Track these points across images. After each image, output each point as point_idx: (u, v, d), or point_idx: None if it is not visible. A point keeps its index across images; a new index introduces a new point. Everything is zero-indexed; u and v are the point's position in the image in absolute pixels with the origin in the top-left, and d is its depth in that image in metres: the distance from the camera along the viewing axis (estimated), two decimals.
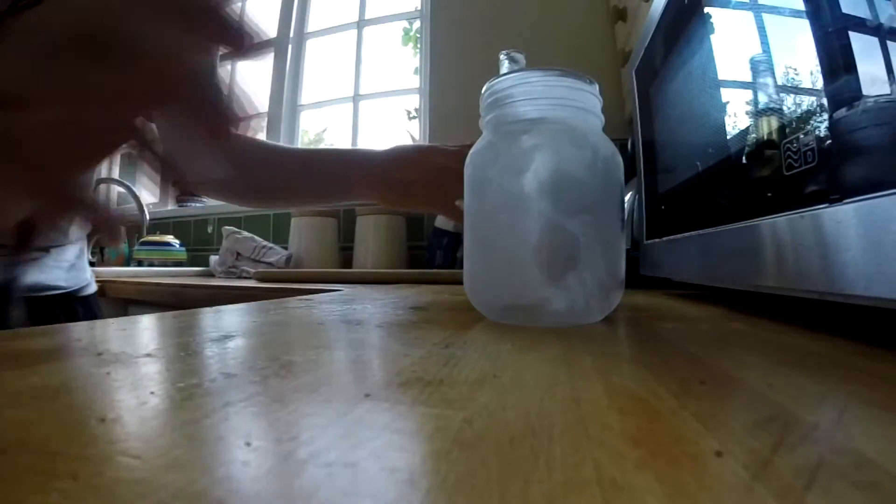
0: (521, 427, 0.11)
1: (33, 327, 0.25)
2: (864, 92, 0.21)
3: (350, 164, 0.58)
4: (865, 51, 0.21)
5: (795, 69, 0.27)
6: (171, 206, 1.68)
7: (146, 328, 0.26)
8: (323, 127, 1.76)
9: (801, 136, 0.25)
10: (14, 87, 0.18)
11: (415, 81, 1.54)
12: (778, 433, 0.11)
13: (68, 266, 0.61)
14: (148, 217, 1.46)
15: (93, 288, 0.66)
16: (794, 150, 0.26)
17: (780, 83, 0.28)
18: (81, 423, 0.11)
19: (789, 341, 0.23)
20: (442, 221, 1.16)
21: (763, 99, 0.31)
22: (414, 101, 1.57)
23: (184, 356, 0.19)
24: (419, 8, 1.54)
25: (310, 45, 1.72)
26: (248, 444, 0.10)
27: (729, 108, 0.36)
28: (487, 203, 0.29)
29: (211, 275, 1.28)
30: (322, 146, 1.89)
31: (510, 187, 0.28)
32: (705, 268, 0.39)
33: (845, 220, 0.21)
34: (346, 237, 1.35)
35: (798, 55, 0.26)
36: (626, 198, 0.76)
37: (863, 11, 0.21)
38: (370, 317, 0.32)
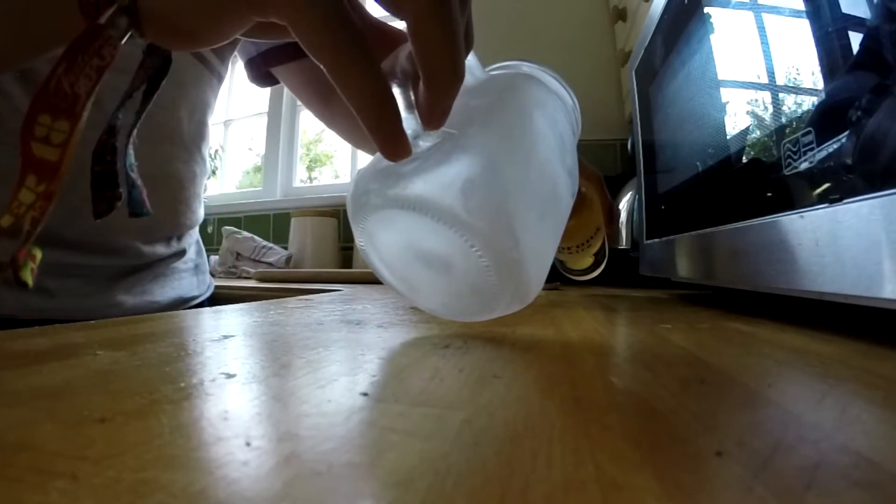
0: (521, 427, 0.11)
1: (32, 328, 0.25)
2: (864, 92, 0.21)
3: None
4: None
5: (795, 69, 0.27)
6: None
7: (146, 329, 0.26)
8: (322, 127, 1.76)
9: (801, 136, 0.25)
10: None
11: None
12: (778, 433, 0.11)
13: (194, 267, 0.55)
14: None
15: (212, 289, 0.58)
16: (794, 150, 0.26)
17: (779, 83, 0.28)
18: (81, 423, 0.11)
19: (789, 341, 0.23)
20: None
21: (763, 99, 0.31)
22: None
23: (184, 356, 0.19)
24: None
25: None
26: (248, 444, 0.10)
27: (729, 108, 0.36)
28: None
29: (211, 275, 1.28)
30: (321, 147, 1.90)
31: None
32: (705, 268, 0.39)
33: (845, 220, 0.21)
34: (346, 237, 1.35)
35: (798, 55, 0.26)
36: (626, 198, 0.76)
37: (863, 11, 0.21)
38: (370, 317, 0.32)
